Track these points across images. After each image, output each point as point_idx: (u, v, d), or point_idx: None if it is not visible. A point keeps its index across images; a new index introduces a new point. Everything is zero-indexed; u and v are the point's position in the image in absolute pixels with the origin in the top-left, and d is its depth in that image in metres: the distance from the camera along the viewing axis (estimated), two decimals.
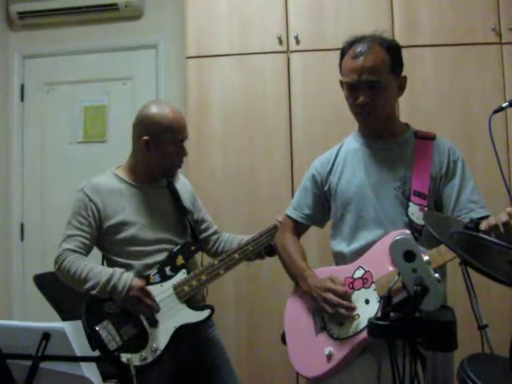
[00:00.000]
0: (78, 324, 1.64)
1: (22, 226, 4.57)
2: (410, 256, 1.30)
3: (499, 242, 1.09)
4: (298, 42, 3.77)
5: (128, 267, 2.50)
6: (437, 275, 1.29)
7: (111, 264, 2.55)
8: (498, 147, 3.47)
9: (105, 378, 1.79)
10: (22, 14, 4.50)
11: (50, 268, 3.35)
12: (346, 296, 2.12)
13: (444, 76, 3.74)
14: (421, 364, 1.34)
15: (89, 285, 2.41)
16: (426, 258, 1.30)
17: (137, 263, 2.53)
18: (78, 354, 1.58)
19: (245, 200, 3.75)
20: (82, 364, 1.58)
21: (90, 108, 4.55)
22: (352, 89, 2.19)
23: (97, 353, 2.37)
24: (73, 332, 1.60)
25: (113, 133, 4.48)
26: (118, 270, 2.44)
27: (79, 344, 1.59)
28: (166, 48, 4.45)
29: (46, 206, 4.55)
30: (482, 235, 1.12)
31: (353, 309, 2.10)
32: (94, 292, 2.41)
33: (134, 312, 2.45)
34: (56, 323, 1.66)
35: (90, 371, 1.58)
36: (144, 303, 2.43)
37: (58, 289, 3.16)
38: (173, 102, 3.93)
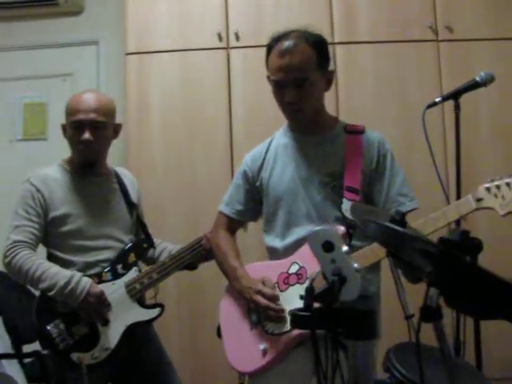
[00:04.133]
0: None
1: None
2: (328, 246, 1.31)
3: (403, 230, 1.10)
4: (237, 38, 3.79)
5: (68, 264, 2.46)
6: (356, 265, 1.31)
7: (52, 260, 2.49)
8: (435, 143, 3.58)
9: (32, 379, 1.76)
10: None
11: None
12: (275, 298, 2.12)
13: (382, 72, 3.80)
14: (343, 353, 1.36)
15: (44, 285, 2.36)
16: (344, 248, 1.31)
17: (78, 260, 2.48)
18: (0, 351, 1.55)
19: (185, 194, 3.76)
20: (4, 361, 1.55)
21: (30, 105, 4.46)
22: (280, 87, 2.19)
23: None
24: None
25: (53, 130, 4.37)
26: (77, 274, 2.39)
27: (1, 341, 1.57)
28: (106, 44, 4.40)
29: None
30: (387, 224, 1.13)
31: (281, 311, 2.11)
32: (50, 293, 2.36)
33: (85, 317, 2.41)
34: None
35: (12, 369, 1.55)
36: (98, 310, 2.41)
37: None
38: (113, 98, 3.93)
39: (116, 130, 2.65)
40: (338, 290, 1.26)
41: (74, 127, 2.50)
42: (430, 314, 1.16)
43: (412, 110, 3.69)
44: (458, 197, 2.65)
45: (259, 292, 2.14)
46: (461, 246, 1.08)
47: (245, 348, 2.22)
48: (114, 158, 3.90)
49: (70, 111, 2.52)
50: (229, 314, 2.33)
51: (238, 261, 2.35)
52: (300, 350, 2.10)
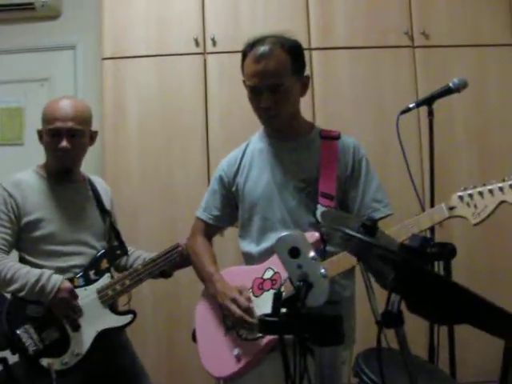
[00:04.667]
0: None
1: None
2: (295, 252, 1.31)
3: (364, 237, 1.10)
4: (214, 43, 3.80)
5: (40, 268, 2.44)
6: (323, 271, 1.31)
7: (24, 264, 2.46)
8: (411, 148, 3.61)
9: None
10: None
11: None
12: (250, 311, 2.11)
13: (359, 78, 3.83)
14: (312, 359, 1.36)
15: (16, 286, 2.35)
16: (311, 253, 1.32)
17: (50, 265, 2.46)
18: None
19: (162, 200, 3.75)
20: None
21: (7, 110, 4.43)
22: (255, 92, 2.19)
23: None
24: None
25: (30, 135, 4.33)
26: (47, 271, 2.39)
27: None
28: (84, 49, 4.37)
29: None
30: (348, 231, 1.13)
31: (253, 324, 2.09)
32: (21, 294, 2.35)
33: (60, 314, 2.41)
34: None
35: None
36: (71, 306, 2.40)
37: None
38: (90, 104, 3.89)
39: (92, 137, 2.64)
40: (304, 295, 1.26)
41: (52, 135, 2.49)
42: (391, 319, 1.16)
43: (388, 116, 3.71)
44: (432, 202, 2.68)
45: (234, 301, 2.13)
46: (420, 253, 1.08)
47: (219, 353, 2.21)
48: (91, 163, 3.87)
49: (48, 118, 2.51)
50: (204, 318, 2.32)
51: (215, 266, 2.34)
52: (274, 354, 2.09)
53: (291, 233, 1.36)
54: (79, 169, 2.68)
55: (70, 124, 2.47)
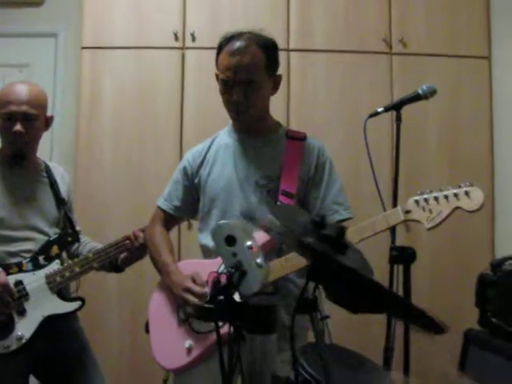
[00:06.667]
0: None
1: None
2: (231, 240, 1.33)
3: (287, 226, 1.12)
4: (193, 39, 3.82)
5: None
6: (258, 260, 1.32)
7: None
8: (384, 153, 3.63)
9: None
10: None
11: None
12: (205, 297, 2.12)
13: (335, 82, 3.86)
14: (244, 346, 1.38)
15: None
16: (248, 243, 1.33)
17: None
18: None
19: (133, 191, 3.76)
20: None
21: None
22: (227, 86, 2.22)
23: None
24: None
25: None
26: None
27: None
28: (65, 37, 4.36)
29: None
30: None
31: None
32: None
33: None
34: None
35: None
36: (4, 300, 2.37)
37: None
38: (68, 92, 3.89)
39: (47, 121, 2.63)
40: (236, 283, 1.28)
41: (6, 118, 2.48)
42: (304, 304, 1.18)
43: (363, 120, 3.70)
44: (394, 207, 2.69)
45: (188, 290, 2.15)
46: (335, 241, 1.10)
47: (171, 344, 2.22)
48: (63, 151, 3.88)
49: (2, 102, 2.49)
50: (158, 309, 2.33)
51: (171, 257, 2.35)
52: (226, 348, 2.10)
53: (229, 221, 1.38)
54: (35, 154, 2.67)
55: (24, 108, 2.46)
